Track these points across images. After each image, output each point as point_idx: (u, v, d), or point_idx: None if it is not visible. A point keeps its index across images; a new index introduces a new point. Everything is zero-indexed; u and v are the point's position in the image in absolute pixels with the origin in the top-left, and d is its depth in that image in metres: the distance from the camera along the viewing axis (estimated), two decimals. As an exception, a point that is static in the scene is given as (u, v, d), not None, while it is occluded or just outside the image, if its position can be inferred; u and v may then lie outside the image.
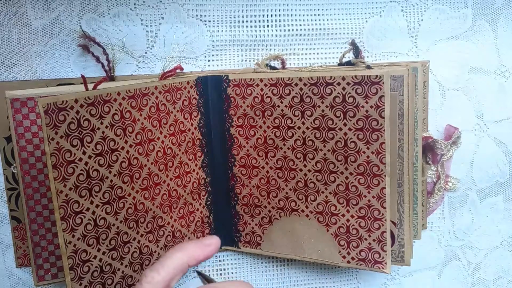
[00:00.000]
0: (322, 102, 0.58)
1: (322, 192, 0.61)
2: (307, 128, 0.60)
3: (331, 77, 0.57)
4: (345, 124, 0.58)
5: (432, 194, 0.72)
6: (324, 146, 0.59)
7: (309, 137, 0.60)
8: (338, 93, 0.57)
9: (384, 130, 0.56)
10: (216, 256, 0.71)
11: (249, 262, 0.72)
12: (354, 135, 0.57)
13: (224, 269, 0.72)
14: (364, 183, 0.59)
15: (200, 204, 0.65)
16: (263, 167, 0.64)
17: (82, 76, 0.53)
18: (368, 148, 0.57)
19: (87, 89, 0.52)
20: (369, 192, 0.59)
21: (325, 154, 0.60)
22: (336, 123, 0.58)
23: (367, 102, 0.56)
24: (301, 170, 0.62)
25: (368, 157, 0.57)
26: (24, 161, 0.58)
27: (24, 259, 0.64)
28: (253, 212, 0.66)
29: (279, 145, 0.62)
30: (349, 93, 0.56)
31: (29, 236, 0.60)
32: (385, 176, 0.57)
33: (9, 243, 0.66)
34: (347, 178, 0.59)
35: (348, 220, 0.61)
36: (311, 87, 0.58)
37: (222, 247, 0.70)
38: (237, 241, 0.68)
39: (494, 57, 0.73)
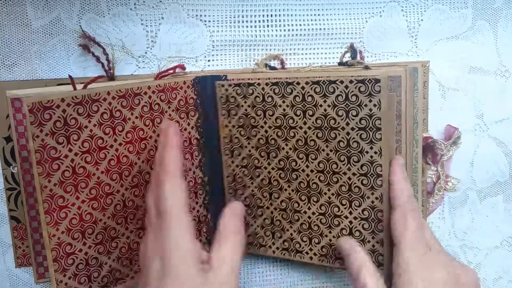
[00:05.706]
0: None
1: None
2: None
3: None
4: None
5: (432, 194, 0.71)
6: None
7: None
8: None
9: None
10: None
11: (249, 262, 0.71)
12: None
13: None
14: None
15: (196, 203, 0.63)
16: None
17: (70, 77, 0.52)
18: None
19: (75, 89, 0.52)
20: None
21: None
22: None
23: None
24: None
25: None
26: (24, 160, 0.58)
27: (24, 259, 0.63)
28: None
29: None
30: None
31: (29, 234, 0.60)
32: None
33: (9, 243, 0.66)
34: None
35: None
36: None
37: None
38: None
39: (494, 57, 0.71)
